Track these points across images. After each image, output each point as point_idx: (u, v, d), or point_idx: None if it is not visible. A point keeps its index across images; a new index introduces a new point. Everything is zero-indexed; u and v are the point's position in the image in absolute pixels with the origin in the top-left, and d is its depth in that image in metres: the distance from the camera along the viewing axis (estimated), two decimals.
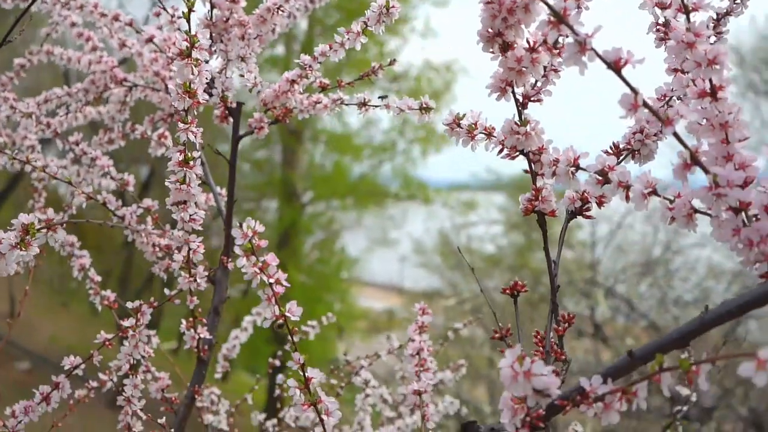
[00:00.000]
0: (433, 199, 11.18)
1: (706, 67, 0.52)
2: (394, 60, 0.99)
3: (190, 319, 0.94)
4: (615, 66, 0.50)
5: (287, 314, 0.62)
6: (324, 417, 0.63)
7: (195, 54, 0.70)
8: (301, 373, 0.63)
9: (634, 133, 0.67)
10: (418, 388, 0.92)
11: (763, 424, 5.82)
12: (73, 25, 1.16)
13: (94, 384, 1.10)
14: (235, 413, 1.31)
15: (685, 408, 1.07)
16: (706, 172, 0.50)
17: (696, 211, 0.53)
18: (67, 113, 1.15)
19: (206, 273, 0.90)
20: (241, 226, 0.60)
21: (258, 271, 0.61)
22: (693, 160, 0.51)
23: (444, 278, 9.10)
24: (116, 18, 1.07)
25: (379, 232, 12.17)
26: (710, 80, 0.53)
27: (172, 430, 0.92)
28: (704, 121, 0.54)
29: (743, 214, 0.51)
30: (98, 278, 1.08)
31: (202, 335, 0.95)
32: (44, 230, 0.66)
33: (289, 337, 0.63)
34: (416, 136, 11.69)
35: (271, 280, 0.61)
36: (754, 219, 0.52)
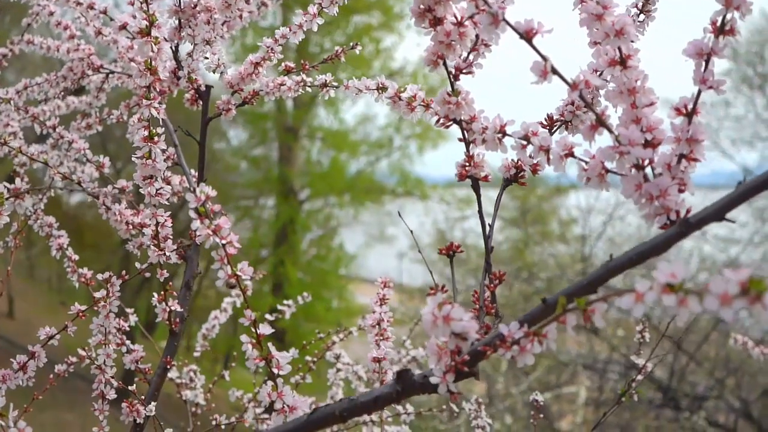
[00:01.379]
0: (429, 195, 11.24)
1: (614, 37, 0.56)
2: (357, 44, 1.03)
3: (162, 292, 0.99)
4: (527, 36, 0.54)
5: (239, 273, 0.66)
6: (275, 371, 0.68)
7: (154, 32, 0.75)
8: (253, 330, 0.68)
9: (566, 105, 0.72)
10: (377, 355, 0.97)
11: (753, 413, 5.88)
12: (51, 14, 1.20)
13: (74, 359, 1.15)
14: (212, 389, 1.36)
15: (639, 377, 1.11)
16: (611, 132, 0.55)
17: (607, 170, 0.58)
18: (46, 100, 1.20)
19: (175, 246, 0.94)
20: (194, 191, 0.64)
21: (211, 233, 0.65)
22: (599, 122, 0.55)
23: (443, 274, 9.10)
24: (91, 6, 1.11)
25: (377, 229, 12.23)
26: (619, 49, 0.57)
27: (143, 397, 0.97)
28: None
29: (648, 170, 0.56)
30: (76, 257, 1.12)
31: (173, 308, 0.99)
32: (12, 199, 0.70)
33: (242, 296, 0.68)
34: (413, 133, 11.74)
35: (224, 242, 0.65)
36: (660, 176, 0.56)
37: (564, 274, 6.08)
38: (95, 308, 0.94)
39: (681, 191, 0.55)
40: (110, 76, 1.21)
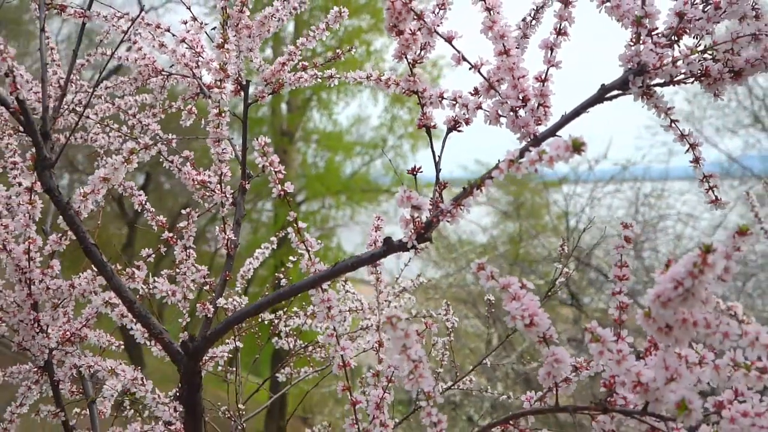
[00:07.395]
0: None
1: (499, 38, 0.99)
2: (352, 47, 1.46)
3: (222, 225, 1.41)
4: (448, 39, 0.97)
5: (285, 188, 1.08)
6: (309, 249, 1.10)
7: (227, 45, 1.17)
8: (295, 225, 1.10)
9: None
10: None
11: None
12: (125, 33, 1.62)
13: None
14: None
15: (562, 280, 1.53)
16: (497, 92, 0.97)
17: (499, 114, 1.00)
18: (123, 95, 1.62)
19: (233, 191, 1.36)
20: (257, 138, 1.07)
21: (268, 164, 1.08)
22: (490, 86, 0.98)
23: (442, 269, 9.46)
24: (158, 26, 1.53)
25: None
26: (503, 45, 1.00)
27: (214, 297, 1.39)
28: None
29: (522, 113, 0.98)
30: (153, 210, 1.54)
31: (230, 236, 1.42)
32: (142, 150, 1.12)
33: (288, 204, 1.10)
34: (406, 132, 12.16)
35: (276, 170, 1.08)
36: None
37: (550, 255, 6.55)
38: (176, 235, 1.36)
39: (538, 124, 0.97)
40: (170, 77, 1.63)
